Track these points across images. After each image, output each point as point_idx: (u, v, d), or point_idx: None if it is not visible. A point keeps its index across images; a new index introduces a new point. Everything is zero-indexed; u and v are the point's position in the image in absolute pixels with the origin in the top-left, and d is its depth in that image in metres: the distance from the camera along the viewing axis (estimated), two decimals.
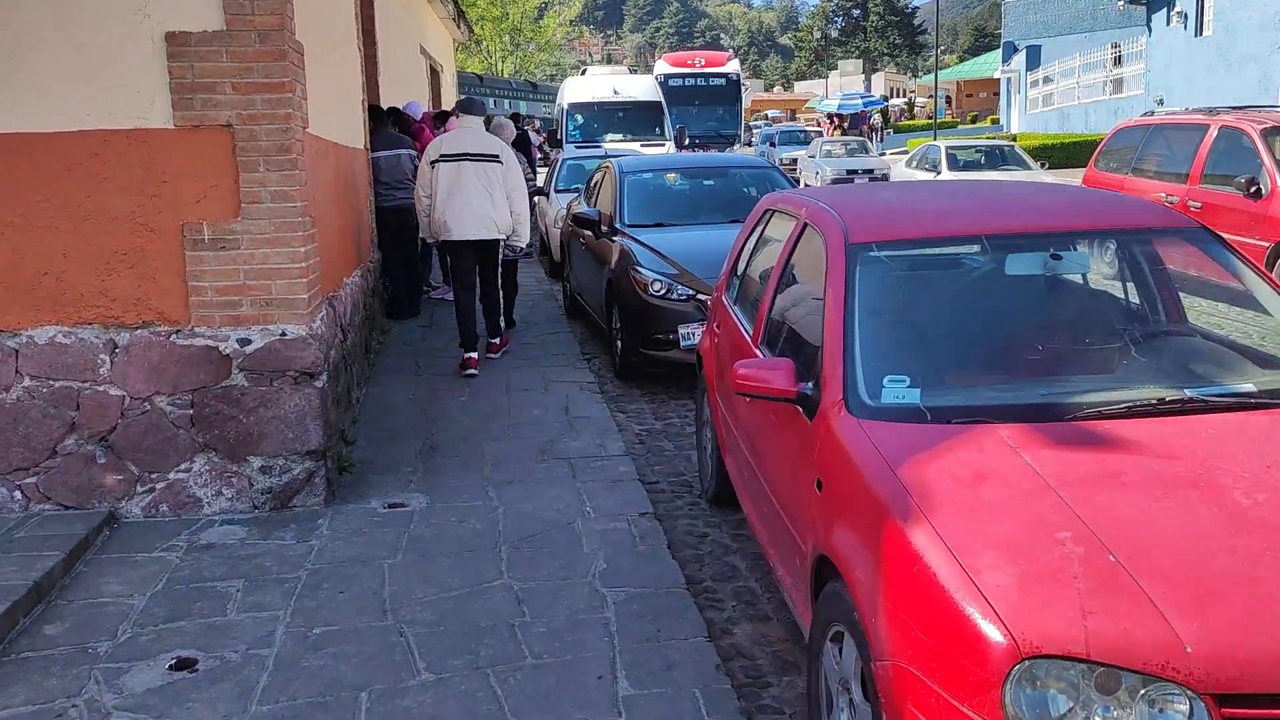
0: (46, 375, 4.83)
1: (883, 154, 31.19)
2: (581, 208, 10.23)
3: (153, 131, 4.77)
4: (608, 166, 9.93)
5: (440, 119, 11.07)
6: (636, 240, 8.26)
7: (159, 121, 4.76)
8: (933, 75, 48.77)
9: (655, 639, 3.75)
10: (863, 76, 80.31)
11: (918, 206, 4.21)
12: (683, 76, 28.10)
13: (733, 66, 29.50)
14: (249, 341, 4.93)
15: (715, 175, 9.50)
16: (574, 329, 10.00)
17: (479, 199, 7.80)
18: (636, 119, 20.07)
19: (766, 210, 5.17)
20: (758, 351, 4.27)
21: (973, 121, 61.40)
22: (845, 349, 3.42)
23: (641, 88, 20.95)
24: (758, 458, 4.07)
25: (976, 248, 3.80)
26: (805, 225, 4.28)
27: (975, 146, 19.40)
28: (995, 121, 52.41)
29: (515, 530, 4.77)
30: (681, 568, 4.53)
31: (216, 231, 4.85)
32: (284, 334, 4.95)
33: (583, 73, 26.05)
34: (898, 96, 76.93)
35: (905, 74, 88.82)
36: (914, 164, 19.69)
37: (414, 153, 10.17)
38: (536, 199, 15.58)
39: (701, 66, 28.73)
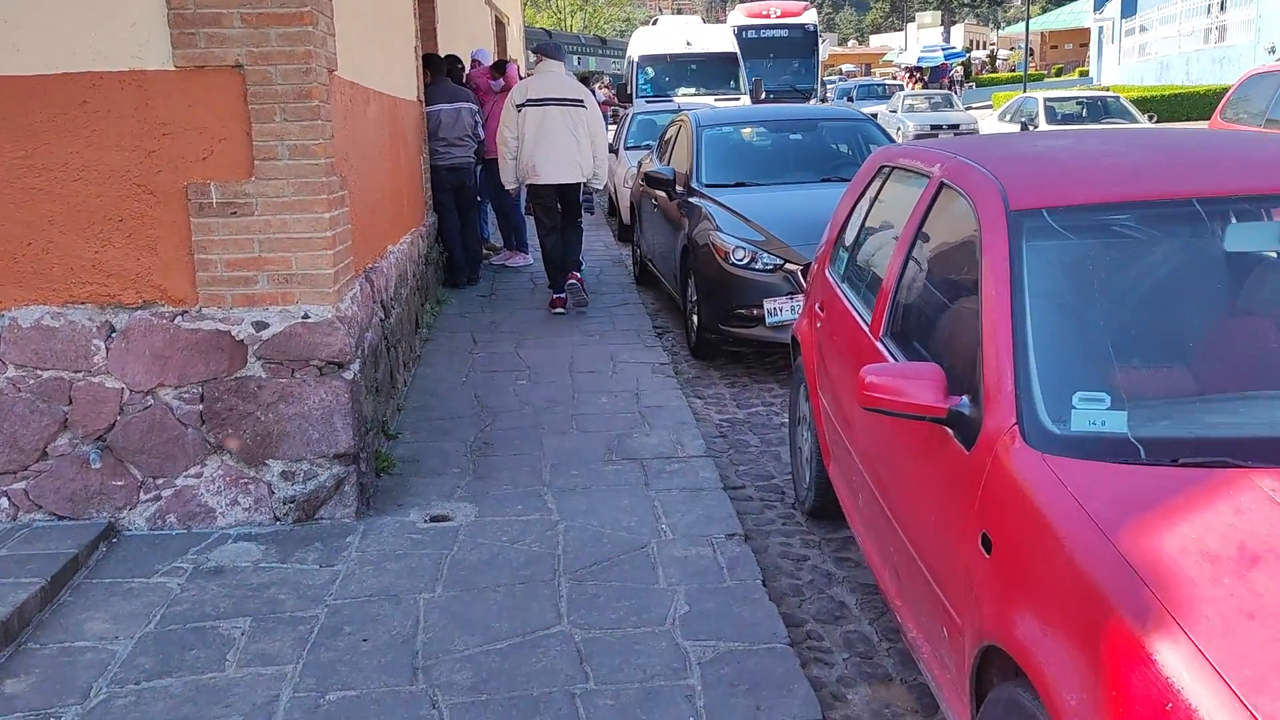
0: (33, 364, 4.12)
1: (967, 108, 29.66)
2: (654, 166, 9.34)
3: (149, 74, 4.00)
4: (682, 120, 9.02)
5: (498, 69, 10.23)
6: (715, 202, 7.37)
7: (156, 62, 3.99)
8: (1015, 25, 46.66)
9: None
10: (941, 29, 77.59)
11: (1095, 160, 3.28)
12: (758, 27, 26.81)
13: (809, 17, 28.14)
14: (266, 325, 4.17)
15: (803, 128, 8.54)
16: (644, 299, 9.16)
17: (566, 143, 7.96)
18: (710, 72, 19.06)
19: (882, 167, 4.26)
20: (880, 346, 3.39)
21: (1058, 74, 58.85)
22: (1016, 352, 2.54)
23: (716, 38, 19.88)
24: (883, 485, 3.21)
25: (1185, 215, 2.87)
26: (942, 185, 3.38)
27: (1076, 99, 18.09)
28: (1084, 74, 50.05)
29: (578, 555, 3.97)
30: (778, 602, 3.71)
31: (226, 194, 4.09)
32: (307, 316, 4.19)
33: (654, 23, 24.97)
34: (978, 49, 74.25)
35: (986, 25, 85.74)
36: (1008, 118, 18.42)
37: (475, 106, 9.36)
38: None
39: (777, 17, 27.42)
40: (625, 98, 19.14)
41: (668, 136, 9.66)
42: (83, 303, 4.12)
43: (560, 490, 4.61)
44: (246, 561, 3.96)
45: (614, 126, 17.91)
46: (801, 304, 6.52)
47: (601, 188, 8.75)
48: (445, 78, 9.44)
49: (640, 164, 10.56)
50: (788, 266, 6.61)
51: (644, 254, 9.71)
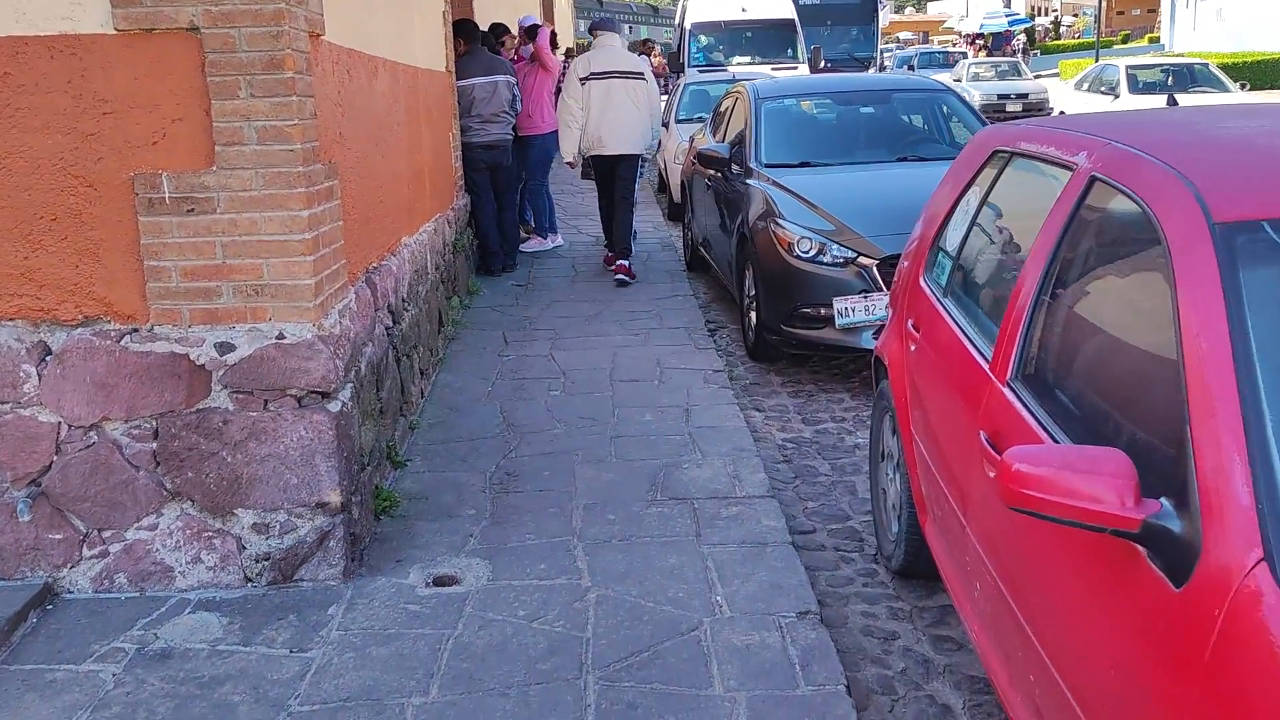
0: None
1: (1036, 77, 28.26)
2: (707, 142, 8.48)
3: (85, 39, 3.23)
4: (739, 92, 8.13)
5: (529, 34, 9.40)
6: (777, 185, 6.51)
7: (93, 24, 3.22)
8: None
9: None
10: None
11: None
12: None
13: None
14: (232, 347, 3.41)
15: (875, 100, 7.61)
16: (695, 287, 8.32)
17: (629, 114, 8.14)
18: (766, 39, 18.04)
19: (996, 152, 3.38)
20: (1010, 395, 2.54)
21: (1124, 41, 56.63)
22: (1250, 439, 1.70)
23: (772, 4, 18.77)
24: (1017, 588, 2.36)
25: None
26: (1093, 181, 2.52)
27: (1160, 65, 16.86)
28: (1154, 40, 48.03)
29: (611, 640, 3.17)
30: (864, 705, 2.91)
31: (181, 187, 3.32)
32: (282, 336, 3.42)
33: None
34: (1041, 15, 71.89)
35: None
36: (1085, 87, 17.23)
37: (512, 79, 8.54)
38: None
39: None
40: (676, 67, 18.18)
41: (722, 110, 8.77)
42: (10, 319, 3.38)
43: (593, 542, 3.81)
44: (202, 641, 3.21)
45: (664, 97, 17.06)
46: (876, 305, 5.67)
47: (652, 155, 9.18)
48: (481, 48, 8.63)
49: (692, 139, 9.70)
50: (861, 260, 5.74)
51: (695, 237, 8.87)
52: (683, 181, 9.60)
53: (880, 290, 5.67)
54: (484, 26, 9.41)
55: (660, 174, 13.85)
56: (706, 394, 5.48)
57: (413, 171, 5.78)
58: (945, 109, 7.58)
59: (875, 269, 5.69)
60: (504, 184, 8.66)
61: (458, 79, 8.11)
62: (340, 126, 4.00)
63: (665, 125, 12.75)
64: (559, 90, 8.99)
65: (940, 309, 3.29)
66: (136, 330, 3.40)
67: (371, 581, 3.56)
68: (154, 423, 3.41)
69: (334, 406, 3.48)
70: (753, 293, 6.43)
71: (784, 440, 5.19)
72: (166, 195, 3.31)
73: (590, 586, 3.49)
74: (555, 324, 6.97)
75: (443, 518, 4.05)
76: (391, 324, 4.67)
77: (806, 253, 5.89)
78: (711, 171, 7.51)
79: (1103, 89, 16.30)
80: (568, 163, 8.63)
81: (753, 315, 6.45)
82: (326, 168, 3.62)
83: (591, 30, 8.73)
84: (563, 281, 8.36)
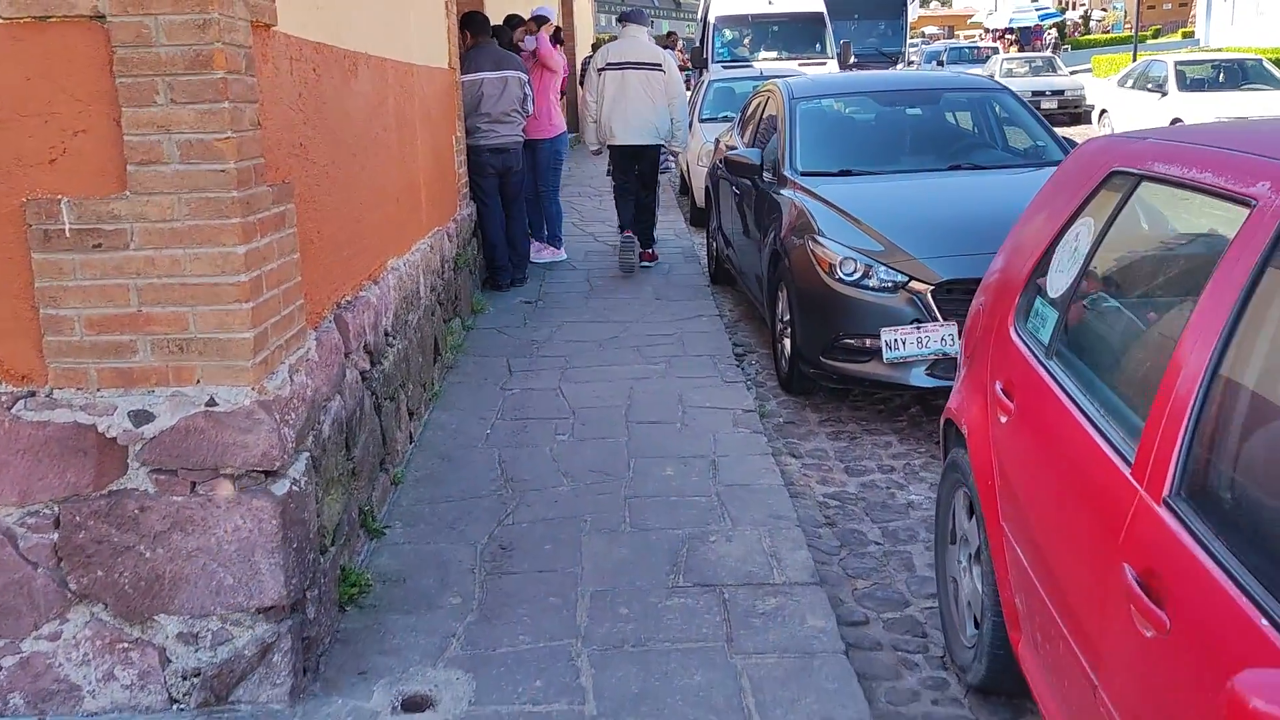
0: None
1: (1071, 73, 27.33)
2: (735, 146, 7.76)
3: None
4: (770, 90, 7.41)
5: (537, 24, 8.72)
6: (815, 196, 5.79)
7: None
8: None
9: None
10: None
11: None
12: None
13: None
14: (150, 416, 2.73)
15: (923, 100, 6.87)
16: (721, 303, 7.62)
17: (640, 105, 8.12)
18: (794, 33, 17.26)
19: (1115, 174, 2.67)
20: (1166, 517, 1.83)
21: (1155, 36, 55.38)
22: None
23: None
24: None
25: None
26: None
27: (1210, 61, 16.01)
28: (1189, 35, 46.82)
29: None
30: None
31: (86, 216, 2.64)
32: (213, 403, 2.73)
33: None
34: (1071, 9, 70.57)
35: None
36: (1130, 84, 16.38)
37: (524, 75, 7.84)
38: None
39: None
40: (700, 63, 17.43)
41: (751, 109, 8.05)
42: None
43: (601, 647, 3.11)
44: None
45: (686, 92, 16.36)
46: (931, 337, 4.95)
47: (682, 150, 9.35)
48: (491, 40, 7.94)
49: (719, 140, 8.98)
50: (913, 285, 5.02)
51: (720, 248, 8.16)
52: (707, 186, 8.89)
53: (935, 320, 4.95)
54: (498, 19, 8.73)
55: (683, 175, 13.13)
56: (736, 440, 4.78)
57: (405, 183, 5.09)
58: (1001, 111, 6.84)
59: (930, 296, 4.97)
60: (514, 190, 7.99)
61: (463, 74, 7.43)
62: (301, 136, 3.31)
63: (689, 125, 12.06)
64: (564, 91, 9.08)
65: (1045, 376, 2.57)
66: (33, 394, 2.72)
67: (326, 703, 2.87)
68: (55, 509, 2.74)
69: (280, 488, 2.80)
70: (787, 317, 5.72)
71: (825, 496, 4.48)
72: (67, 226, 2.63)
73: (596, 717, 2.79)
74: (566, 349, 6.28)
75: (421, 608, 3.36)
76: (370, 366, 3.98)
77: (850, 275, 5.18)
78: (740, 179, 6.80)
79: (1149, 86, 15.46)
80: (594, 151, 8.68)
81: (786, 342, 5.75)
82: (275, 190, 2.93)
83: (620, 20, 8.86)
84: (576, 298, 7.66)
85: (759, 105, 7.71)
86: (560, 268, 8.74)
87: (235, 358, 2.71)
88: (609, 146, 8.42)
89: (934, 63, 31.84)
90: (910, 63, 33.43)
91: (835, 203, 5.64)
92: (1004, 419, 2.76)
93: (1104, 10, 71.60)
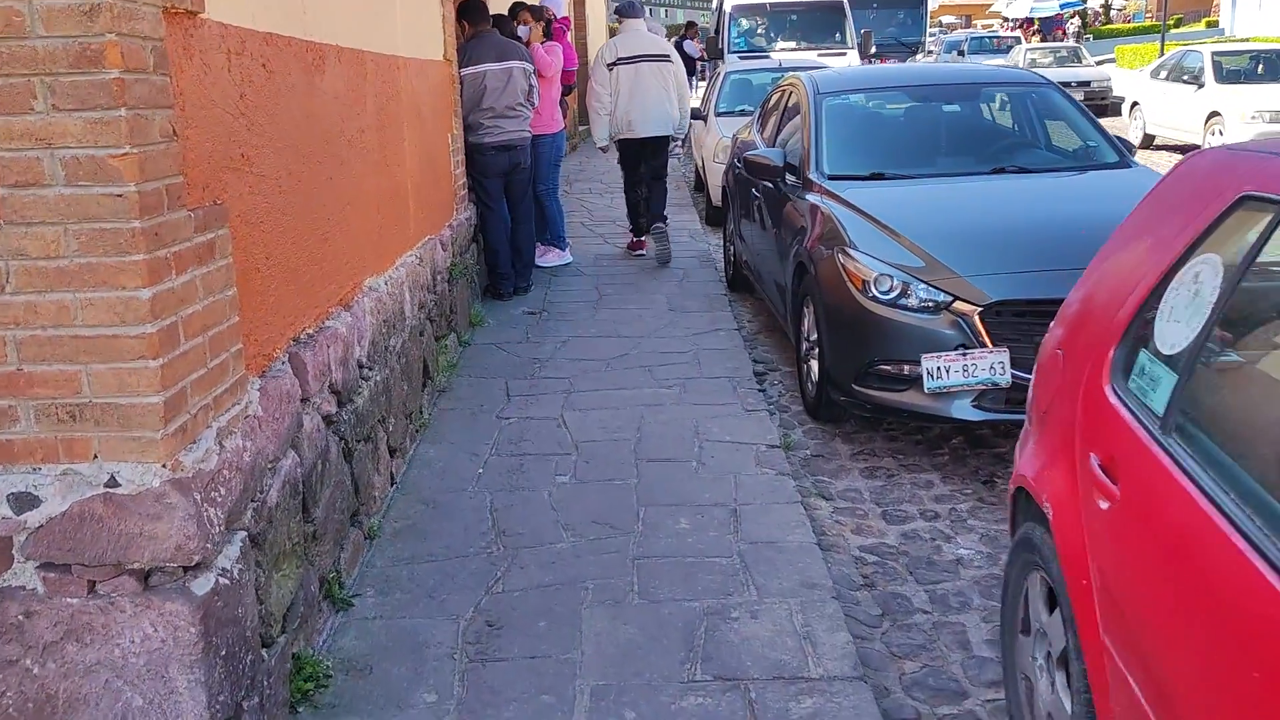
0: None
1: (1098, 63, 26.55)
2: (755, 145, 7.18)
3: None
4: (793, 84, 6.82)
5: (534, 15, 8.15)
6: (844, 202, 5.22)
7: None
8: None
9: None
10: None
11: None
12: None
13: None
14: (35, 501, 2.19)
15: (961, 96, 6.27)
16: (739, 313, 7.07)
17: (657, 97, 8.15)
18: (813, 23, 16.63)
19: (1249, 199, 2.10)
20: None
21: (1176, 25, 54.33)
22: None
23: None
24: None
25: None
26: None
27: (1249, 52, 15.31)
28: (1213, 24, 45.86)
29: None
30: None
31: None
32: (114, 483, 2.19)
33: None
34: None
35: None
36: (1164, 75, 15.69)
37: (530, 67, 7.28)
38: (692, 123, 12.55)
39: None
40: (715, 53, 16.82)
41: (772, 105, 7.47)
42: None
43: None
44: None
45: (702, 84, 15.71)
46: (978, 365, 4.39)
47: (684, 137, 9.89)
48: (493, 30, 7.37)
49: (736, 136, 8.40)
50: (958, 306, 4.45)
51: (738, 253, 7.60)
52: (724, 186, 8.32)
53: (983, 346, 4.38)
54: (501, 7, 8.17)
55: (697, 171, 12.55)
56: (760, 484, 4.22)
57: (388, 190, 4.54)
58: (1047, 107, 6.24)
59: (977, 318, 4.40)
60: (519, 191, 7.44)
61: (462, 66, 6.87)
62: (244, 147, 2.76)
63: (704, 119, 11.48)
64: (566, 89, 8.90)
65: (1165, 459, 2.00)
66: None
67: None
68: None
69: (202, 585, 2.26)
70: (813, 336, 5.16)
71: (862, 549, 3.93)
72: None
73: None
74: (570, 369, 5.73)
75: (389, 709, 2.82)
76: (337, 409, 3.44)
77: (886, 294, 4.61)
78: (760, 180, 6.23)
79: (1185, 78, 14.77)
80: (601, 148, 8.54)
81: (813, 364, 5.19)
82: (200, 215, 2.38)
83: (617, 15, 8.94)
84: (583, 308, 7.10)
85: (780, 100, 7.13)
86: (566, 272, 8.19)
87: (141, 427, 2.16)
88: (622, 140, 8.31)
89: (954, 53, 31.08)
90: (929, 53, 32.73)
91: (867, 210, 5.07)
92: (1104, 504, 2.20)
93: None
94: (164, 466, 2.19)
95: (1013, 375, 4.35)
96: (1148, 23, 50.43)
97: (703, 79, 17.40)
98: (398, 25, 4.92)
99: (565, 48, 8.77)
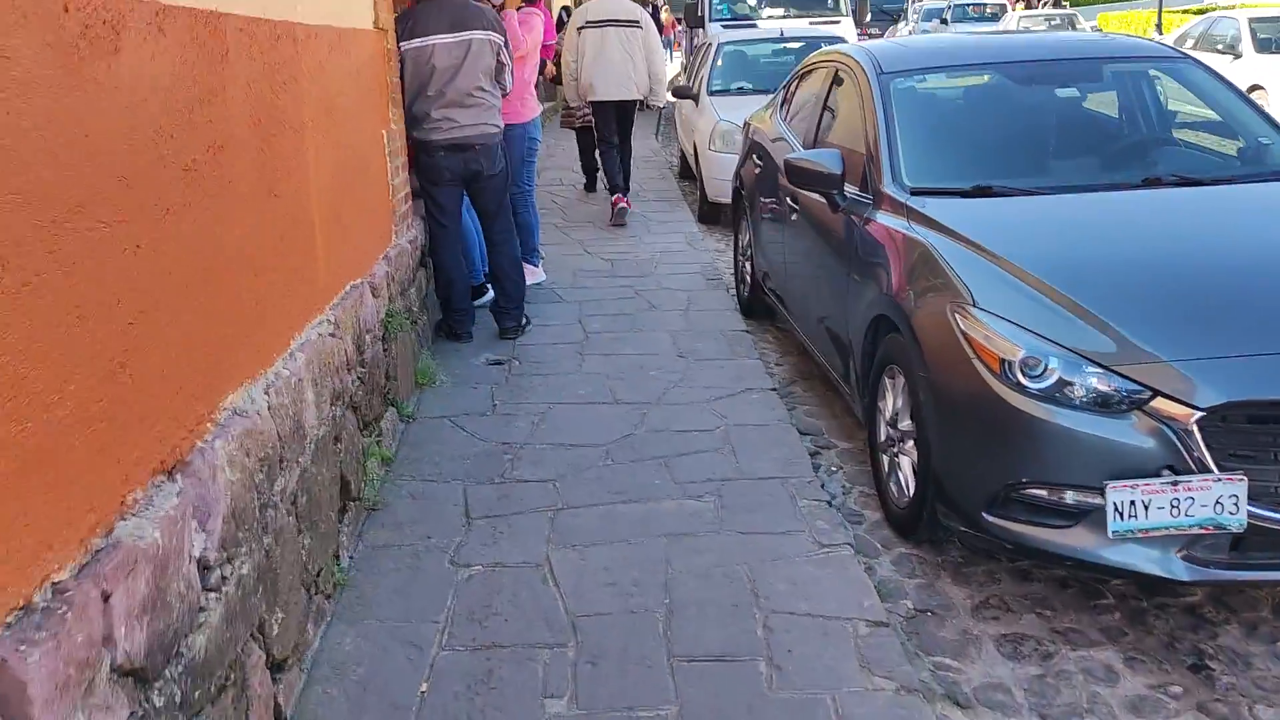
0: None
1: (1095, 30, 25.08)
2: (780, 136, 5.55)
3: None
4: (839, 60, 5.14)
5: None
6: (945, 229, 3.63)
7: None
8: None
9: None
10: None
11: None
12: None
13: None
14: None
15: (1074, 76, 4.65)
16: (766, 356, 5.48)
17: (620, 62, 8.39)
18: None
19: None
20: None
21: None
22: None
23: None
24: None
25: None
26: None
27: None
28: None
29: None
30: None
31: None
32: None
33: None
34: None
35: None
36: (1191, 44, 14.23)
37: (500, 38, 5.51)
38: (677, 103, 10.89)
39: None
40: (695, 22, 15.12)
41: (799, 88, 5.82)
42: None
43: None
44: None
45: (678, 56, 14.12)
46: (1197, 501, 2.84)
47: (661, 105, 10.30)
48: None
49: (749, 123, 6.74)
50: (1160, 407, 2.89)
51: (758, 272, 5.99)
52: (737, 188, 6.67)
53: (1205, 470, 2.83)
54: None
55: (684, 158, 10.90)
56: (876, 708, 2.63)
57: (273, 234, 2.89)
58: (1165, 87, 4.69)
59: (1196, 428, 2.84)
60: (492, 204, 5.66)
61: (401, 39, 5.18)
62: None
63: (695, 99, 9.81)
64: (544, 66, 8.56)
65: None
66: None
67: None
68: None
69: None
70: (907, 424, 3.58)
71: None
72: None
73: None
74: (555, 464, 4.09)
75: None
76: (142, 689, 1.81)
77: (1040, 382, 3.03)
78: (812, 196, 4.61)
79: (1219, 47, 13.32)
80: (573, 108, 9.11)
81: (903, 461, 3.62)
82: None
83: None
84: (566, 354, 5.45)
85: (817, 80, 5.48)
86: (540, 295, 6.53)
87: None
88: (590, 103, 8.68)
89: (935, 20, 29.38)
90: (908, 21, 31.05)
91: (984, 244, 3.48)
92: None
93: None
94: None
95: (1249, 513, 2.82)
96: None
97: (678, 48, 15.73)
98: None
99: (545, 16, 7.08)
